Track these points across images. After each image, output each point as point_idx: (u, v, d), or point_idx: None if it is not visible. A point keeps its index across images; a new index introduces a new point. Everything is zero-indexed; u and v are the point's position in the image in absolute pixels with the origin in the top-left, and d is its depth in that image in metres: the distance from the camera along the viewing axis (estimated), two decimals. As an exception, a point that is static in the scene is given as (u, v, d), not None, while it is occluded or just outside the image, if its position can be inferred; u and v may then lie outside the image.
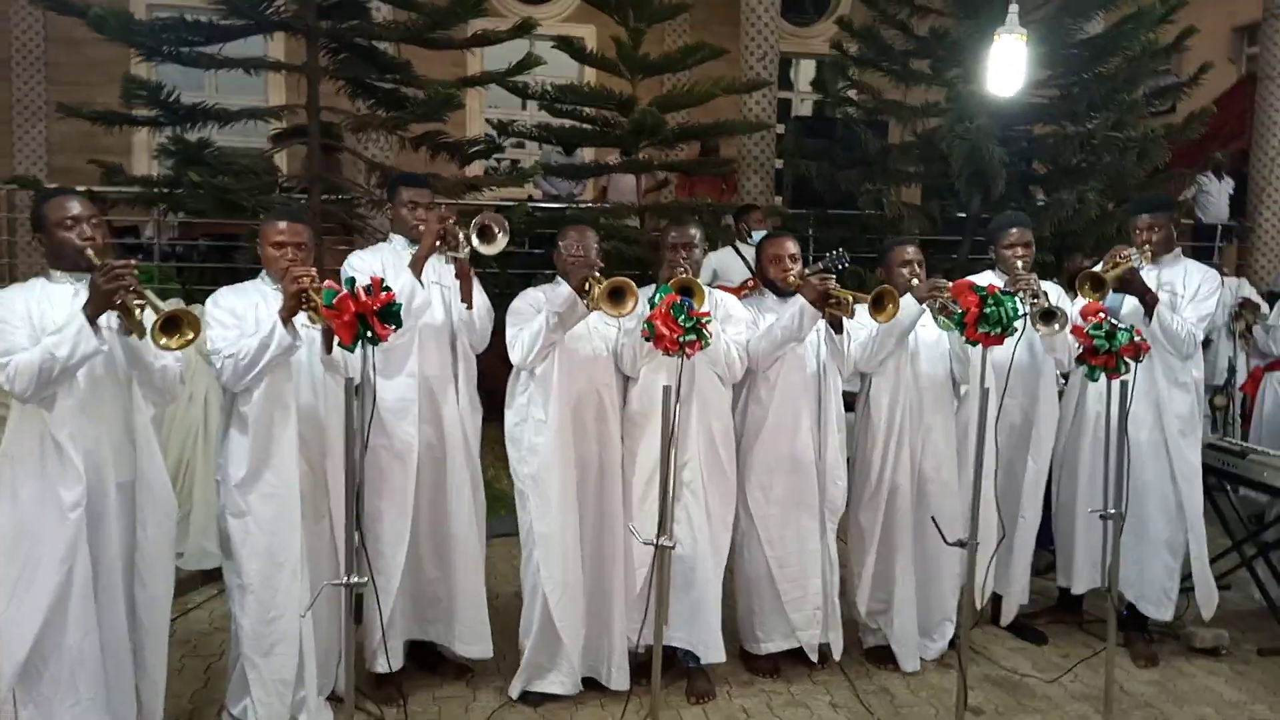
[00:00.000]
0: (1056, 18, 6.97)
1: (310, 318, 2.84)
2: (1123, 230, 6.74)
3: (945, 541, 3.03)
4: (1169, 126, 7.05)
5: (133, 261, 2.56)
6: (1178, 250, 4.00)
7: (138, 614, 2.83)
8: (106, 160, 6.00)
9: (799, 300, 3.43)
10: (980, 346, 2.78)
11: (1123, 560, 3.84)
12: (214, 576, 4.44)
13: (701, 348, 2.59)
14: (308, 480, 3.08)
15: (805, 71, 12.61)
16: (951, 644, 3.93)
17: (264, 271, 3.16)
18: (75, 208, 2.67)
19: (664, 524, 2.62)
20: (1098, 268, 3.67)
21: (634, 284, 3.08)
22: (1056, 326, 3.41)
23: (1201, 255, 7.73)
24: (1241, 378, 6.24)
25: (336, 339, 2.64)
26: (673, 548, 2.63)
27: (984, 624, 4.16)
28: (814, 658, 3.70)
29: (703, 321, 2.56)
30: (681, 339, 2.54)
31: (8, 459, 2.63)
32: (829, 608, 3.70)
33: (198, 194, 5.03)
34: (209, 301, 3.06)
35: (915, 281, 3.61)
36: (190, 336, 2.47)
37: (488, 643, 3.51)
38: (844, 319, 3.52)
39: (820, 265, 4.41)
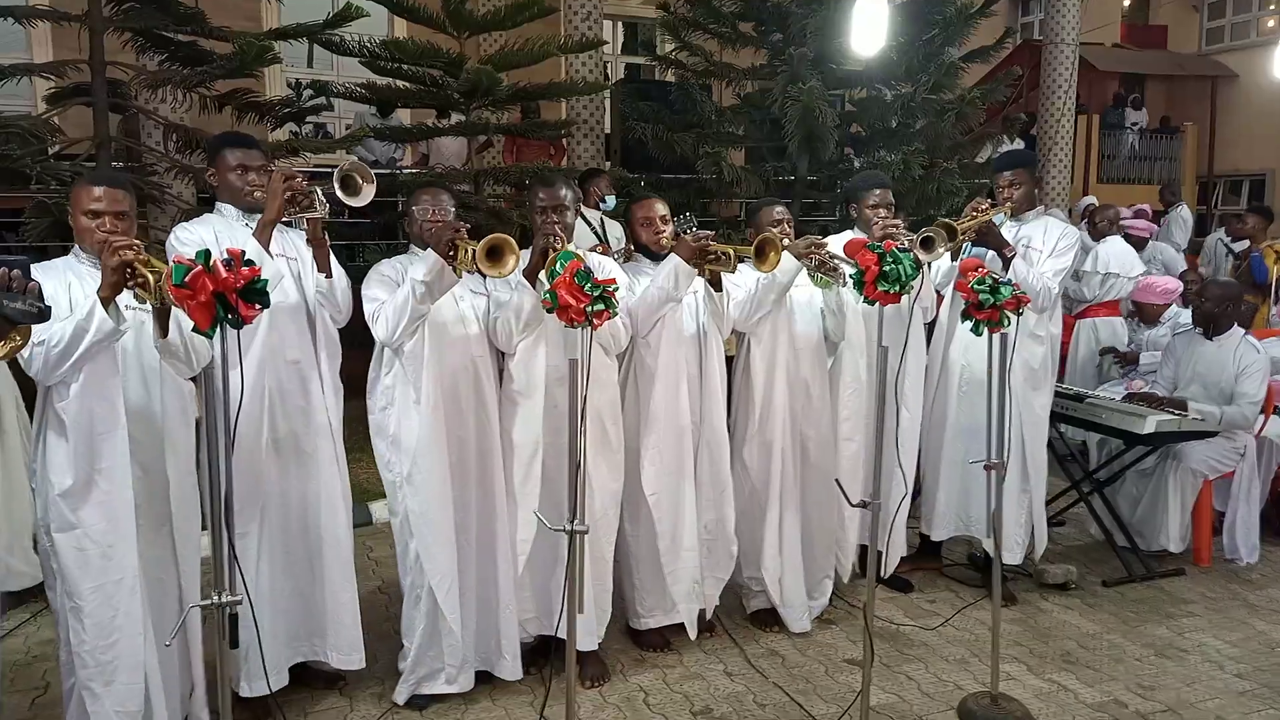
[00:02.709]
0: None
1: (138, 295, 2.43)
2: (941, 189, 7.11)
3: (849, 504, 3.01)
4: (983, 88, 7.41)
5: None
6: (1041, 208, 4.16)
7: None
8: None
9: (673, 259, 3.31)
10: (878, 305, 2.75)
11: (979, 506, 4.02)
12: (23, 599, 3.88)
13: (610, 317, 2.41)
14: (142, 486, 2.69)
15: (630, 33, 12.51)
16: (831, 600, 3.99)
17: (75, 247, 2.71)
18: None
19: (575, 507, 2.44)
20: (954, 220, 3.76)
21: (513, 240, 2.85)
22: (940, 250, 3.48)
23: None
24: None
25: (180, 320, 2.28)
26: (585, 532, 2.45)
27: (856, 579, 4.24)
28: (693, 634, 3.63)
29: (609, 289, 2.38)
30: (589, 309, 2.34)
31: None
32: (719, 574, 3.66)
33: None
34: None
35: (786, 240, 3.57)
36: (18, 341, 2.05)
37: (362, 651, 3.21)
38: (723, 276, 3.44)
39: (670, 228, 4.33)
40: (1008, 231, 3.94)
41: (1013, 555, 4.06)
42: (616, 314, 2.62)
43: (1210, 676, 3.45)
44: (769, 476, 3.74)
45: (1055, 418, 4.53)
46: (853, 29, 4.60)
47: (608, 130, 8.53)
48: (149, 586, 2.71)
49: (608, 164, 8.62)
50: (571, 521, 2.43)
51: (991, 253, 3.87)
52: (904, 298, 2.82)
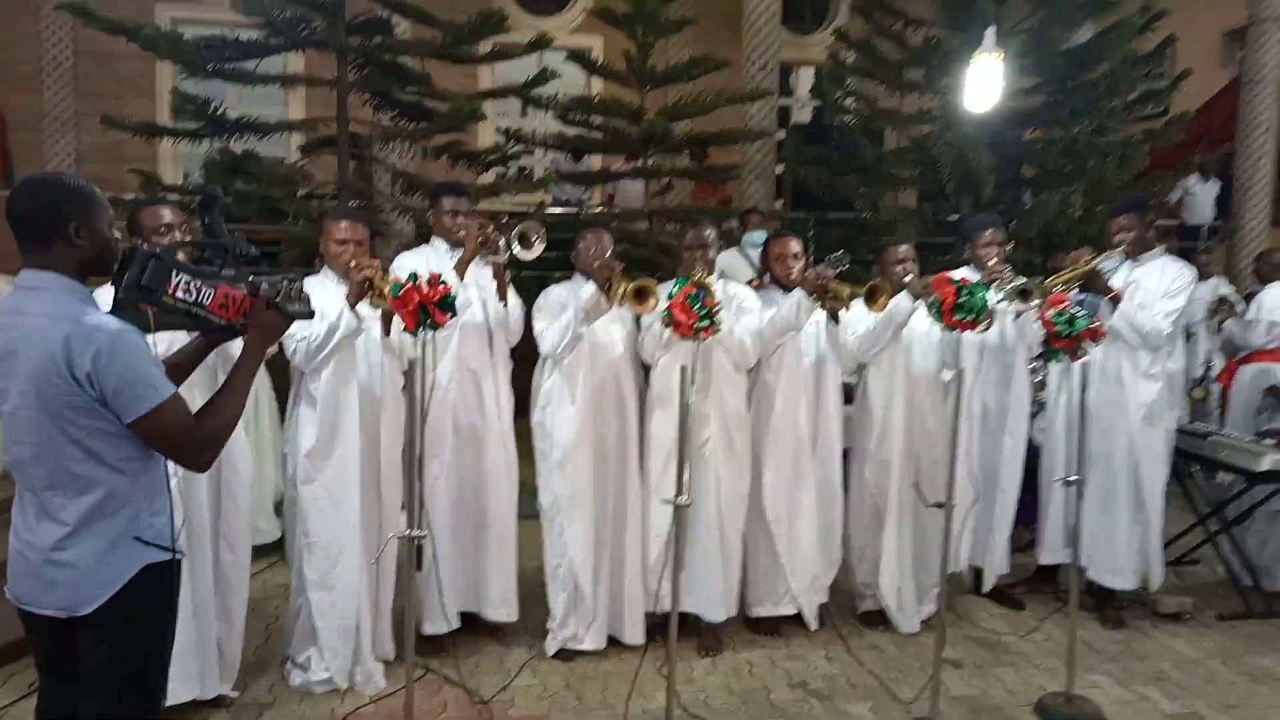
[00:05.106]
0: (1043, 28, 7.37)
1: (372, 302, 3.24)
2: (1104, 231, 7.18)
3: (925, 503, 3.41)
4: (1149, 131, 7.43)
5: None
6: (1159, 248, 4.33)
7: (224, 575, 3.24)
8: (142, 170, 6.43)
9: (797, 292, 3.81)
10: (957, 331, 3.16)
11: (1090, 535, 4.24)
12: (262, 552, 4.85)
13: (714, 333, 2.98)
14: (366, 449, 3.48)
15: (805, 78, 13.01)
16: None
17: (325, 266, 3.56)
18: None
19: (681, 487, 3.02)
20: (1058, 275, 4.06)
21: (655, 284, 3.49)
22: (1035, 301, 3.77)
23: (1187, 255, 8.13)
24: (1219, 371, 6.63)
25: (397, 323, 3.05)
26: (688, 505, 3.01)
27: (967, 593, 4.55)
28: (812, 623, 4.08)
29: (714, 310, 2.95)
30: (697, 325, 2.93)
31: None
32: (821, 575, 4.11)
33: (242, 201, 5.43)
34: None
35: (909, 278, 3.96)
36: None
37: (514, 606, 3.90)
38: (840, 311, 3.91)
39: (823, 267, 4.81)
40: (1121, 273, 4.19)
41: (1123, 581, 4.25)
42: (719, 330, 3.17)
43: (1304, 706, 3.56)
44: (886, 493, 4.15)
45: (1191, 458, 4.65)
46: (967, 86, 4.95)
47: (779, 171, 9.09)
48: (365, 530, 3.49)
49: (780, 203, 9.19)
50: (678, 497, 3.00)
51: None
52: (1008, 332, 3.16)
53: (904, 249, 4.16)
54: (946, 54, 7.37)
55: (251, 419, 5.05)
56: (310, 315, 2.30)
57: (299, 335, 3.24)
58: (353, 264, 3.22)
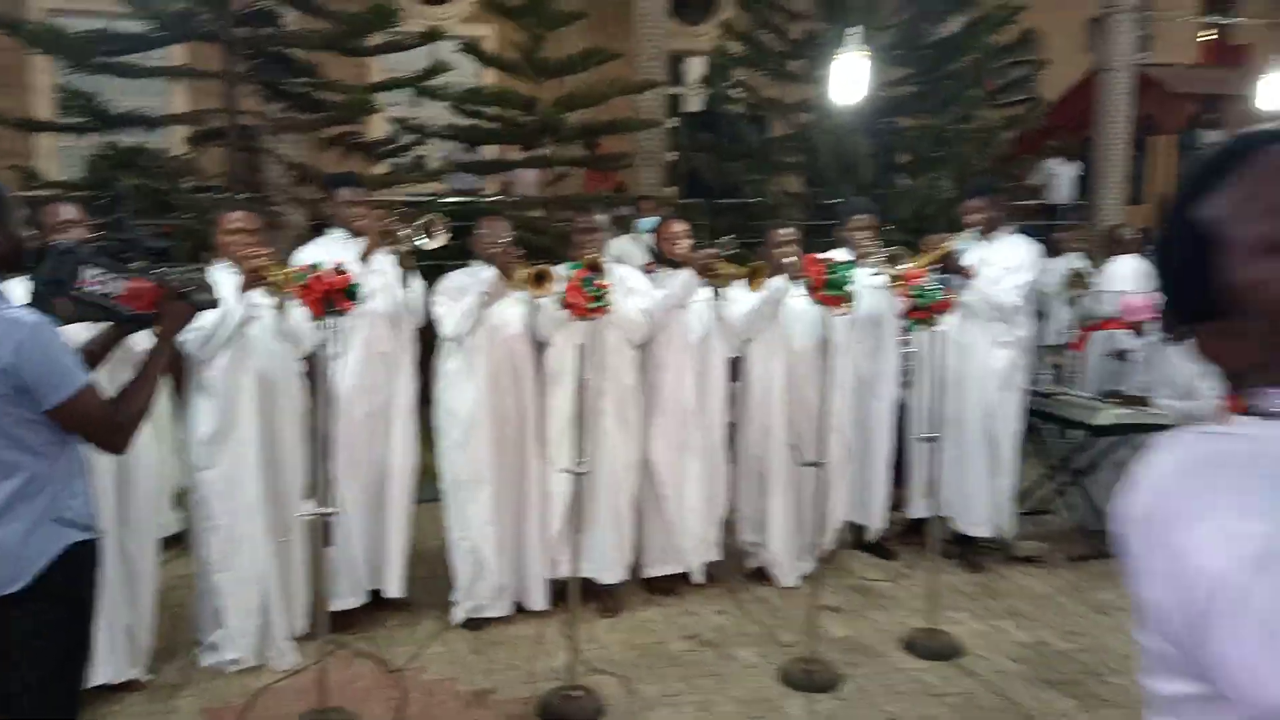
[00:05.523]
0: (913, 22, 7.85)
1: (266, 292, 3.36)
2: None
3: (798, 461, 3.74)
4: (1010, 118, 8.00)
5: None
6: (1007, 228, 4.77)
7: (131, 561, 3.34)
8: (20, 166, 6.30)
9: (684, 272, 4.09)
10: (825, 306, 3.48)
11: (952, 490, 4.65)
12: (167, 544, 4.87)
13: (606, 313, 3.23)
14: (264, 434, 3.60)
15: (695, 68, 13.33)
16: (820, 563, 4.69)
17: (217, 257, 3.65)
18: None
19: (579, 455, 3.26)
20: (919, 256, 4.44)
21: (552, 269, 3.70)
22: (903, 267, 4.13)
23: (1050, 232, 8.75)
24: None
25: (294, 311, 3.19)
26: (586, 473, 3.26)
27: (847, 548, 4.93)
28: (700, 579, 4.39)
29: (605, 292, 3.20)
30: (590, 306, 3.16)
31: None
32: (708, 535, 4.42)
33: (136, 196, 5.41)
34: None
35: (789, 260, 4.27)
36: None
37: (400, 585, 4.07)
38: (725, 289, 4.20)
39: (712, 250, 5.10)
40: (976, 252, 4.60)
41: (982, 530, 4.68)
42: (610, 311, 3.43)
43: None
44: (769, 459, 4.48)
45: (1034, 414, 5.13)
46: (833, 81, 5.32)
47: (672, 159, 9.39)
48: (266, 512, 3.62)
49: (672, 190, 9.49)
50: (578, 464, 3.24)
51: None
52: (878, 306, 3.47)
53: (787, 231, 4.48)
54: (824, 46, 7.77)
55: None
56: (216, 304, 2.43)
57: (193, 326, 3.33)
58: (243, 254, 3.33)
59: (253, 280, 3.32)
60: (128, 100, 6.49)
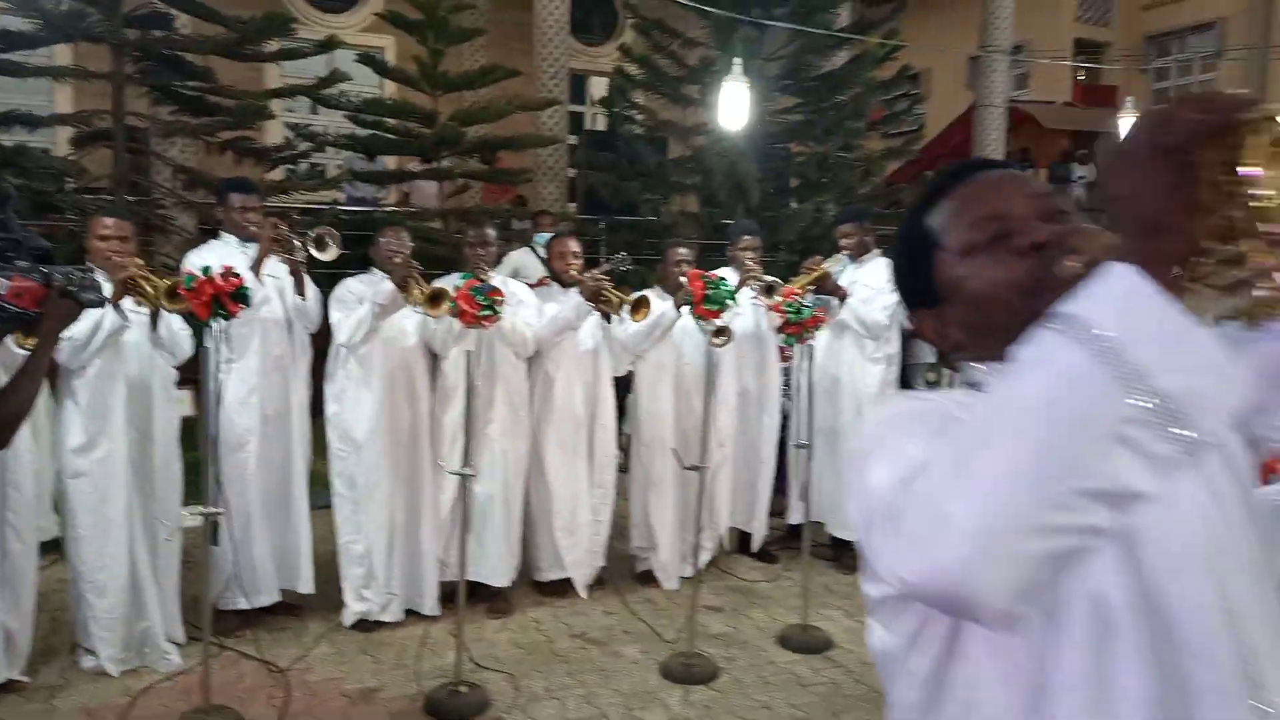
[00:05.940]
0: (800, 55, 8.25)
1: (138, 301, 3.37)
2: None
3: (681, 465, 3.94)
4: (890, 149, 8.47)
5: None
6: (876, 251, 5.09)
7: (12, 563, 3.29)
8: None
9: (576, 294, 4.24)
10: (705, 320, 3.70)
11: (827, 496, 4.93)
12: (48, 549, 4.77)
13: (495, 322, 3.36)
14: (136, 442, 3.58)
15: (598, 87, 13.59)
16: (706, 567, 4.90)
17: (87, 262, 3.63)
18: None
19: (467, 459, 3.38)
20: (799, 277, 4.72)
21: (449, 290, 3.80)
22: (777, 297, 4.38)
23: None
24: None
25: (167, 322, 3.22)
26: (474, 476, 3.38)
27: (731, 553, 5.16)
28: (583, 592, 4.53)
29: (496, 302, 3.33)
30: (479, 314, 3.30)
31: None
32: (597, 542, 4.58)
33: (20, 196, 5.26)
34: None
35: (684, 279, 4.44)
36: None
37: (311, 583, 4.12)
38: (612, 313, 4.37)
39: (606, 266, 5.28)
40: (850, 273, 4.90)
41: (854, 534, 4.94)
42: (501, 319, 3.56)
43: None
44: (658, 469, 4.66)
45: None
46: (719, 108, 5.62)
47: (571, 175, 9.58)
48: (144, 521, 3.60)
49: (573, 205, 9.67)
50: (463, 468, 3.36)
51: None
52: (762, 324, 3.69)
53: (683, 250, 4.69)
54: (717, 73, 8.09)
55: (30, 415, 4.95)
56: (102, 304, 2.47)
57: (66, 334, 3.32)
58: (114, 262, 3.34)
59: (123, 289, 3.32)
60: (10, 99, 6.31)
